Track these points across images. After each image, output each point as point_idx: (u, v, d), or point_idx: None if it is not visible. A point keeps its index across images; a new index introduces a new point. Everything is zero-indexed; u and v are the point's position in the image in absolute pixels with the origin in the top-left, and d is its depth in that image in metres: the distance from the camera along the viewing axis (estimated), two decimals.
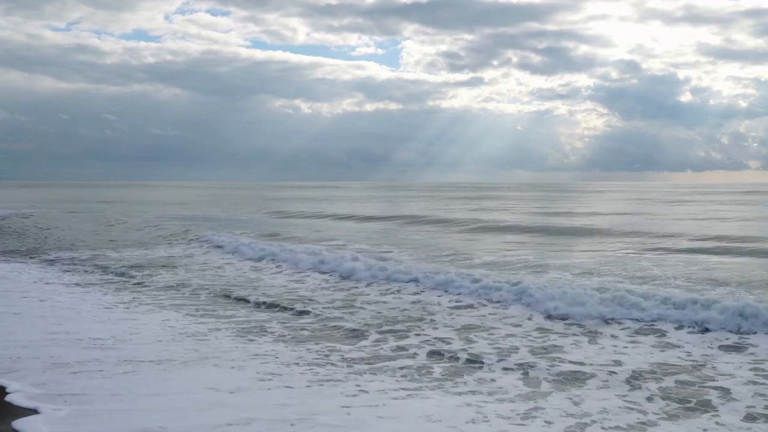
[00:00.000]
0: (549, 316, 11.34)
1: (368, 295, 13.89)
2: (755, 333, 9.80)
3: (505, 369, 8.36)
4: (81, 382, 7.49)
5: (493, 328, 10.69)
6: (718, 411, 6.79)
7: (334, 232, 28.35)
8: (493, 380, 7.89)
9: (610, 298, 11.66)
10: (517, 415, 6.63)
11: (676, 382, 7.75)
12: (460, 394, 7.35)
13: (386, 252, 20.09)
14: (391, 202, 62.89)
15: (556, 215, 38.53)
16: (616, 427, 6.34)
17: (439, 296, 13.36)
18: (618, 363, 8.55)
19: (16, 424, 6.21)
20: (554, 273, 15.11)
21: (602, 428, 6.32)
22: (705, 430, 6.33)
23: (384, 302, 13.05)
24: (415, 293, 13.76)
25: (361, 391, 7.40)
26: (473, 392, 7.40)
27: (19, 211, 44.27)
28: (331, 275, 16.21)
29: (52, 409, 6.56)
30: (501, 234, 26.51)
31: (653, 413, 6.72)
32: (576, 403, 7.01)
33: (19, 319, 10.97)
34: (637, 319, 10.83)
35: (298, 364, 8.51)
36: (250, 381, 7.71)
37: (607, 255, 18.51)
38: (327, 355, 8.97)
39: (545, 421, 6.48)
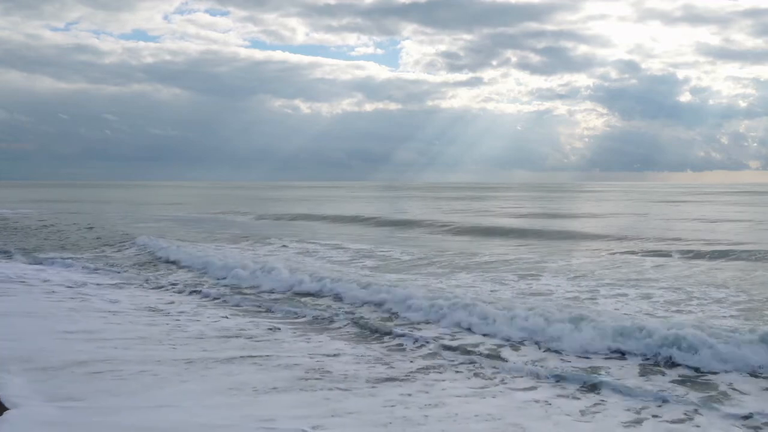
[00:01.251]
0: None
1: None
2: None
3: (540, 365, 8.47)
4: (90, 382, 7.36)
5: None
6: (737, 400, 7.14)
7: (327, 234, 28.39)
8: (543, 376, 8.03)
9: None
10: (580, 411, 6.77)
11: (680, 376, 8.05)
12: (525, 390, 7.48)
13: (387, 252, 20.18)
14: (391, 202, 62.89)
15: (556, 217, 38.53)
16: (675, 420, 6.57)
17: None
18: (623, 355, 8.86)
19: None
20: (546, 277, 15.17)
21: (660, 420, 6.55)
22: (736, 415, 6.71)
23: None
24: None
25: (421, 391, 7.33)
26: (533, 388, 7.55)
27: (21, 212, 44.29)
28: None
29: (38, 408, 6.43)
30: (497, 237, 26.51)
31: (696, 401, 7.04)
32: (631, 396, 7.27)
33: (32, 320, 10.91)
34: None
35: (359, 362, 8.47)
36: (289, 381, 7.56)
37: (600, 258, 18.58)
38: (387, 354, 8.96)
39: (606, 416, 6.65)
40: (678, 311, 11.13)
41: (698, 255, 18.55)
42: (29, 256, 20.65)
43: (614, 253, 19.53)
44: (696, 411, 6.77)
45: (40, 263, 19.11)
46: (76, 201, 65.73)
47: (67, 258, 20.04)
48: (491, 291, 13.27)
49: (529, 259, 18.22)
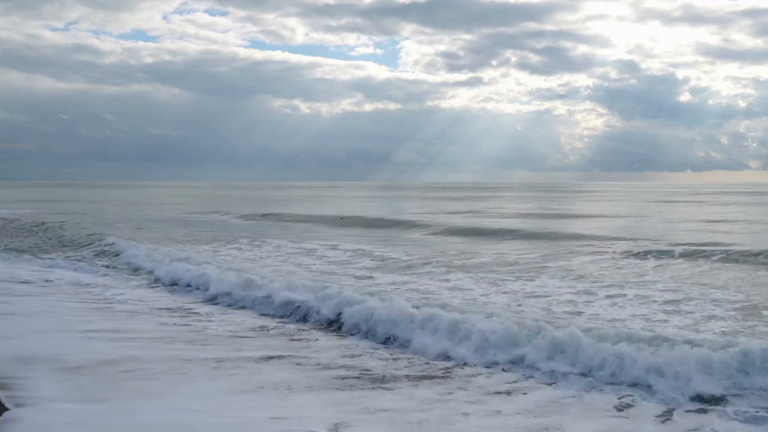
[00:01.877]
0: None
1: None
2: None
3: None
4: (115, 382, 7.32)
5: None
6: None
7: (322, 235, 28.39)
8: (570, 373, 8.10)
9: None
10: (614, 407, 6.89)
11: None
12: (553, 385, 7.60)
13: (386, 253, 20.17)
14: (391, 203, 62.84)
15: (556, 218, 38.45)
16: (699, 410, 6.76)
17: None
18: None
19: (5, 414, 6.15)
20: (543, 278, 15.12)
21: (685, 413, 6.71)
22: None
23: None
24: None
25: (459, 388, 7.42)
26: (563, 384, 7.65)
27: (20, 211, 44.23)
28: None
29: (47, 408, 6.42)
30: (497, 237, 26.42)
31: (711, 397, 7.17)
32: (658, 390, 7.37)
33: (50, 319, 10.89)
34: None
35: (397, 358, 8.58)
36: (325, 380, 7.57)
37: (600, 259, 18.57)
38: (423, 353, 9.04)
39: (640, 410, 6.78)
40: (675, 311, 11.14)
41: (698, 255, 18.49)
42: (31, 256, 20.64)
43: (614, 254, 19.52)
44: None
45: (43, 264, 19.10)
46: (76, 201, 65.63)
47: (68, 258, 20.06)
48: (483, 294, 13.22)
49: (528, 260, 18.23)
